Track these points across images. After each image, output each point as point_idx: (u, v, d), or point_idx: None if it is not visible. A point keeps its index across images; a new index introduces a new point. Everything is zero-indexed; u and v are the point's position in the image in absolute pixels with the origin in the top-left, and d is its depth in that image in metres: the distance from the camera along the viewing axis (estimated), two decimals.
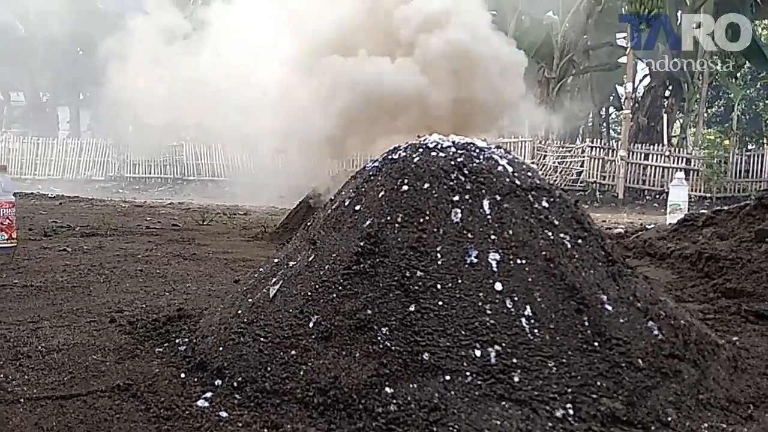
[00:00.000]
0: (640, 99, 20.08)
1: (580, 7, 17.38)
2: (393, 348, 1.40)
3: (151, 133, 17.91)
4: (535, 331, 1.44)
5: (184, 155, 19.44)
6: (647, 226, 5.17)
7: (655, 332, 1.55)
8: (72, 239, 4.62)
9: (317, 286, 1.60)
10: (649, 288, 1.71)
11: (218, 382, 1.49)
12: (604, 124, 26.19)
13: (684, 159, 16.02)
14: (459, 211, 1.64)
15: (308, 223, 1.97)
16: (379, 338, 1.43)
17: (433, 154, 1.79)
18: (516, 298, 1.48)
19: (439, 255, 1.56)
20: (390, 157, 1.86)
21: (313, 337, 1.49)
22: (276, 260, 1.90)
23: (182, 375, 1.55)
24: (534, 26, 18.04)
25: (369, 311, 1.48)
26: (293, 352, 1.47)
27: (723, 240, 3.53)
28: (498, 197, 1.68)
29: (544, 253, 1.58)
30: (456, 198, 1.67)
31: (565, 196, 1.81)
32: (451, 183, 1.70)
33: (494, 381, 1.33)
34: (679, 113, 19.38)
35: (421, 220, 1.63)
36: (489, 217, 1.63)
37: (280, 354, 1.49)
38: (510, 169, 1.77)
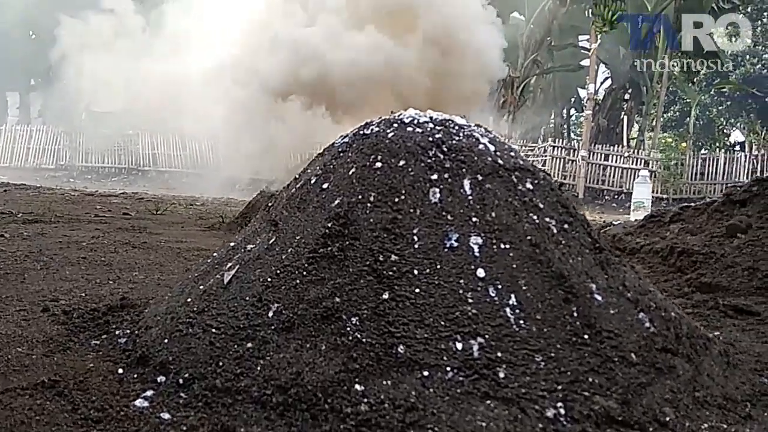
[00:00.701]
0: (600, 101, 20.38)
1: (545, 9, 17.52)
2: (364, 340, 1.24)
3: (105, 120, 17.28)
4: (521, 322, 1.30)
5: (139, 144, 18.77)
6: (614, 222, 5.14)
7: (647, 324, 1.43)
8: (12, 226, 4.29)
9: (278, 271, 1.43)
10: (637, 278, 1.59)
11: (161, 378, 1.30)
12: (566, 126, 26.55)
13: (642, 161, 16.32)
14: (437, 190, 1.49)
15: (269, 204, 1.79)
16: (348, 329, 1.26)
17: (409, 129, 1.64)
18: (500, 286, 1.34)
19: (415, 238, 1.40)
20: (361, 132, 1.70)
21: (273, 327, 1.32)
22: (232, 244, 1.72)
23: (120, 370, 1.35)
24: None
25: (337, 299, 1.32)
26: (249, 345, 1.30)
27: (693, 235, 3.50)
28: (479, 177, 1.53)
29: (529, 237, 1.44)
30: (434, 177, 1.52)
31: (549, 178, 1.69)
32: (429, 161, 1.55)
33: (478, 377, 1.18)
34: (637, 116, 19.76)
35: (396, 199, 1.47)
36: (470, 198, 1.49)
37: (234, 347, 1.31)
38: (492, 148, 1.63)
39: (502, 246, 1.41)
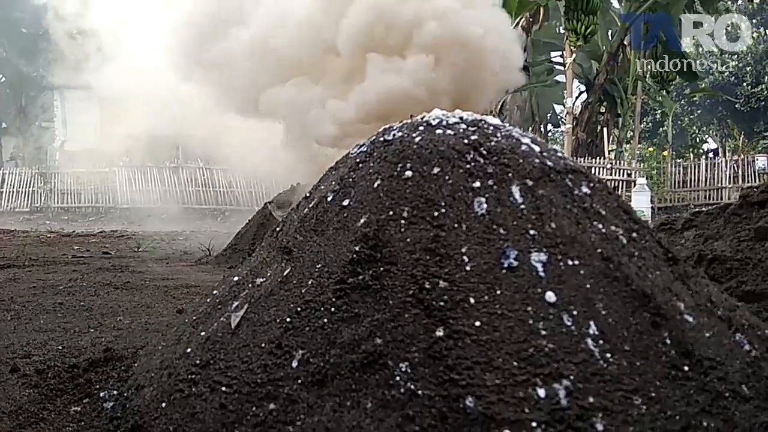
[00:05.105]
0: (578, 115, 20.51)
1: (519, 26, 17.64)
2: (420, 392, 0.98)
3: (80, 159, 16.87)
4: (608, 355, 1.05)
5: (116, 182, 18.33)
6: None
7: (746, 347, 1.20)
8: None
9: (299, 309, 1.17)
10: (719, 291, 1.36)
11: None
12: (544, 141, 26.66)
13: (624, 171, 16.37)
14: (483, 200, 1.25)
15: (276, 229, 1.53)
16: (398, 379, 1.00)
17: (439, 132, 1.40)
18: (575, 312, 1.09)
19: (465, 258, 1.15)
20: (382, 138, 1.45)
21: (300, 381, 1.05)
22: (236, 278, 1.45)
23: None
24: None
25: (378, 340, 1.06)
26: (272, 406, 1.03)
27: (716, 241, 3.31)
28: (529, 182, 1.30)
29: (599, 250, 1.20)
30: (477, 184, 1.28)
31: (602, 180, 1.46)
32: (468, 166, 1.31)
33: None
34: (614, 128, 19.90)
35: (436, 213, 1.23)
36: (522, 207, 1.25)
37: (252, 410, 1.03)
38: (536, 149, 1.39)
39: (570, 262, 1.17)
